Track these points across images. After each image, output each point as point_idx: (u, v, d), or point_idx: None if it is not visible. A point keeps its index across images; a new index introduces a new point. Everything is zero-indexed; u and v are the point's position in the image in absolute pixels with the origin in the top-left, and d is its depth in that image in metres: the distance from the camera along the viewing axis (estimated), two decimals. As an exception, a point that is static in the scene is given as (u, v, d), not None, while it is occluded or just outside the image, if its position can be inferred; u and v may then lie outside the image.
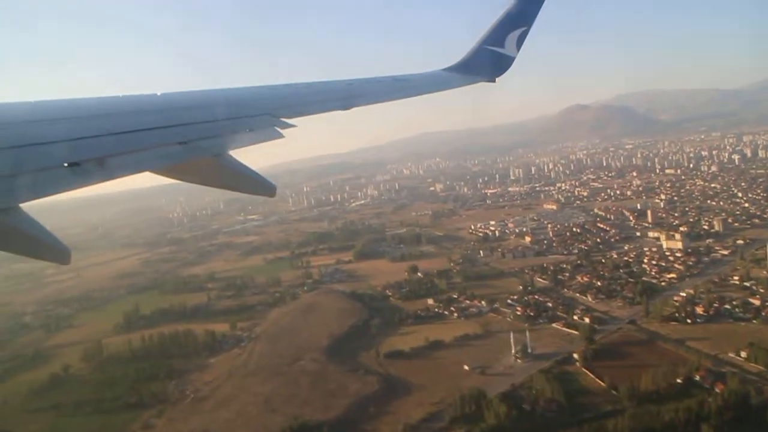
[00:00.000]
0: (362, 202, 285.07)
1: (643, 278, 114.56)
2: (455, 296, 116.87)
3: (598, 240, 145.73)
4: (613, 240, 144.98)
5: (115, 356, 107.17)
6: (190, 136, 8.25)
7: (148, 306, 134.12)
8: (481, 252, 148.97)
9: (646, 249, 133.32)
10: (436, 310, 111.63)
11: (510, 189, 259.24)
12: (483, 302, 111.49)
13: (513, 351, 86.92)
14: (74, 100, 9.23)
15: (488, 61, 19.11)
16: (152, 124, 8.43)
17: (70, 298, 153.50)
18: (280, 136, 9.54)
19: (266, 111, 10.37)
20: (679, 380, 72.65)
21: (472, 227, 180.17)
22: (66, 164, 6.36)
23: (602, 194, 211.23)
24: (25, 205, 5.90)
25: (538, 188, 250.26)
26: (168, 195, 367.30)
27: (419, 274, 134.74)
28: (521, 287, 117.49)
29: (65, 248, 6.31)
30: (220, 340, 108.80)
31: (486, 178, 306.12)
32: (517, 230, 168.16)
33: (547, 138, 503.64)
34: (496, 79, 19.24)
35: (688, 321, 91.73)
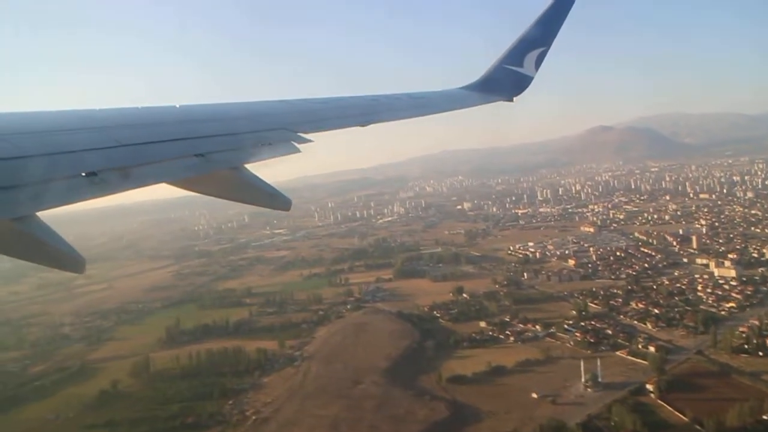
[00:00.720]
0: (390, 218, 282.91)
1: (701, 306, 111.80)
2: (507, 319, 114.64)
3: (646, 265, 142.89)
4: (660, 266, 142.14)
5: (164, 372, 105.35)
6: (207, 149, 8.33)
7: (188, 320, 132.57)
8: (525, 274, 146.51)
9: (697, 276, 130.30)
10: (491, 333, 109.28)
11: (541, 210, 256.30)
12: (538, 326, 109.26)
13: (583, 379, 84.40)
14: (92, 111, 9.32)
15: (507, 80, 19.29)
16: (170, 136, 8.58)
17: (106, 310, 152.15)
18: (297, 150, 9.63)
19: (283, 125, 10.47)
20: (765, 417, 70.18)
21: (511, 248, 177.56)
22: (84, 174, 6.44)
23: (639, 218, 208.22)
24: (44, 214, 5.98)
25: (570, 210, 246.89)
26: (186, 207, 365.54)
27: (465, 295, 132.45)
28: (575, 312, 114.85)
29: (80, 257, 6.34)
30: (271, 359, 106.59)
31: (513, 198, 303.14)
32: (558, 252, 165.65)
33: (571, 159, 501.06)
34: (514, 99, 19.35)
35: (760, 353, 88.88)
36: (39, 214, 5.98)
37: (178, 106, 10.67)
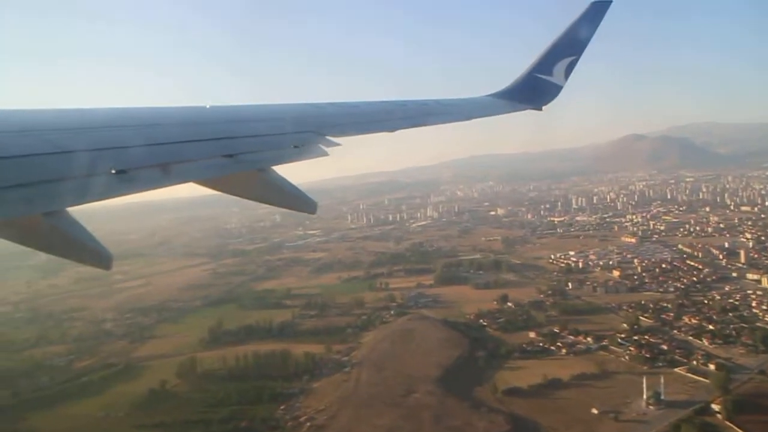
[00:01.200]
0: (423, 222, 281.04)
1: (758, 324, 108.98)
2: (557, 330, 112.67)
3: (694, 279, 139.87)
4: (708, 279, 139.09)
5: (211, 373, 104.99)
6: (235, 150, 8.40)
7: (230, 321, 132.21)
8: (569, 284, 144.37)
9: (749, 291, 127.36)
10: (541, 344, 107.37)
11: (578, 218, 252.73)
12: (589, 339, 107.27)
13: (644, 396, 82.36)
14: (125, 109, 9.55)
15: (536, 88, 19.37)
16: (199, 136, 8.75)
17: (146, 307, 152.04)
18: (325, 153, 9.72)
19: (312, 128, 10.54)
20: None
21: (552, 257, 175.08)
22: (114, 171, 6.51)
23: (680, 229, 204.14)
24: (74, 210, 6.17)
25: (607, 219, 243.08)
26: (214, 205, 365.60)
27: (510, 304, 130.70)
28: (626, 325, 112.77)
29: (107, 253, 6.63)
30: (319, 364, 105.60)
31: (548, 205, 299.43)
32: (601, 263, 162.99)
33: (603, 167, 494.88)
34: (543, 108, 19.42)
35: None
36: (69, 209, 6.18)
37: (208, 106, 10.88)
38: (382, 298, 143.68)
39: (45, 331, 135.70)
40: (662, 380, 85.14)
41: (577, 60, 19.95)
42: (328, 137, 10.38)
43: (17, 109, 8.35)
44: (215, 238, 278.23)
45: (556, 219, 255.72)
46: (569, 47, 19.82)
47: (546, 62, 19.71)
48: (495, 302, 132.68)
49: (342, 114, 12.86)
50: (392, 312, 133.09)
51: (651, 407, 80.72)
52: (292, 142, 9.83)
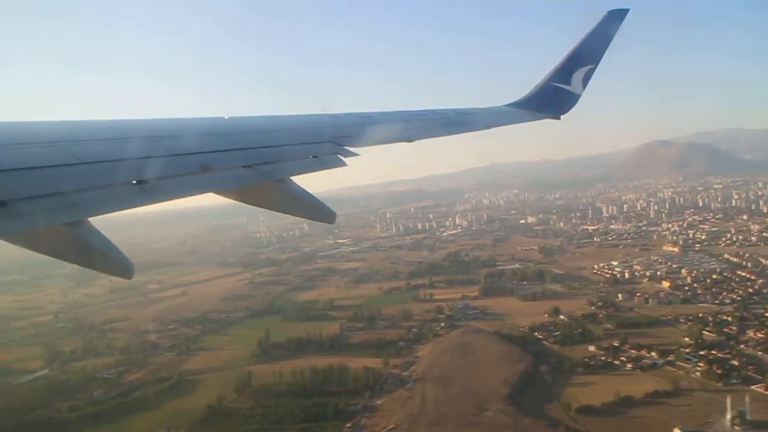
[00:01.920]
0: (454, 231, 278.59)
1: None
2: (617, 344, 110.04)
3: (750, 290, 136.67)
4: (765, 291, 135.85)
5: (268, 389, 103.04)
6: (255, 161, 8.52)
7: (276, 333, 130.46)
8: (619, 295, 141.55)
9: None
10: (602, 358, 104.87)
11: (612, 227, 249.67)
12: (653, 353, 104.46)
13: (728, 415, 79.65)
14: (144, 121, 9.59)
15: (554, 97, 19.49)
16: (219, 147, 8.88)
17: (189, 318, 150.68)
18: (343, 164, 9.88)
19: (330, 139, 10.60)
20: None
21: (595, 267, 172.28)
22: (135, 182, 6.66)
23: (722, 238, 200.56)
24: (98, 219, 6.20)
25: (643, 228, 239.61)
26: (238, 214, 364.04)
27: (562, 316, 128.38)
28: (688, 339, 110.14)
29: (129, 263, 6.65)
30: (379, 379, 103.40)
31: (578, 213, 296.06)
32: (647, 273, 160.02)
33: (627, 173, 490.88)
34: (562, 117, 19.54)
35: None
36: (91, 219, 6.26)
37: (227, 117, 10.92)
38: (429, 310, 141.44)
39: (90, 342, 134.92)
40: (747, 399, 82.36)
41: (594, 68, 20.06)
42: (346, 147, 10.46)
43: (39, 120, 8.54)
44: (245, 247, 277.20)
45: (590, 228, 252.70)
46: (587, 56, 19.99)
47: (564, 71, 19.85)
48: (546, 314, 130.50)
49: (360, 124, 12.78)
50: (442, 324, 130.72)
51: (737, 428, 77.92)
52: (311, 152, 9.94)
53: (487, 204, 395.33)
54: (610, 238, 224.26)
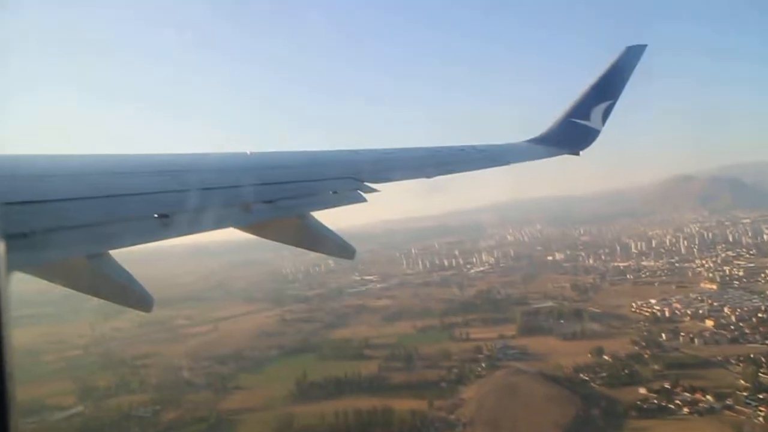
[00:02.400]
0: (482, 268, 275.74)
1: None
2: (668, 386, 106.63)
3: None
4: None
5: (311, 431, 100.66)
6: (274, 196, 8.61)
7: (313, 372, 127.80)
8: (663, 335, 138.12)
9: None
10: (655, 401, 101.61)
11: (643, 263, 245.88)
12: (709, 397, 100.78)
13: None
14: (167, 155, 9.97)
15: (573, 133, 19.65)
16: (239, 182, 8.84)
17: (222, 355, 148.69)
18: (363, 200, 10.04)
19: (350, 174, 10.78)
20: None
21: (633, 305, 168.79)
22: (156, 215, 6.73)
23: (761, 275, 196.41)
24: (123, 253, 6.32)
25: (676, 264, 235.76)
26: (257, 250, 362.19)
27: (606, 356, 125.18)
28: (743, 381, 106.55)
29: (149, 297, 6.93)
30: (426, 422, 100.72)
31: (606, 250, 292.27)
32: (688, 311, 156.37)
33: (651, 208, 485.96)
34: (581, 153, 19.58)
35: None
36: (114, 252, 6.36)
37: (249, 153, 10.90)
38: (468, 350, 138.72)
39: (122, 378, 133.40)
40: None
41: (614, 104, 20.10)
42: (366, 183, 10.49)
43: (63, 154, 8.59)
44: (271, 282, 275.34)
45: (621, 264, 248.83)
46: (606, 91, 20.16)
47: (583, 107, 20.00)
48: (589, 355, 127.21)
49: (379, 160, 12.93)
50: (483, 365, 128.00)
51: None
52: (331, 188, 10.03)
53: (511, 240, 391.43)
54: (643, 275, 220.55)
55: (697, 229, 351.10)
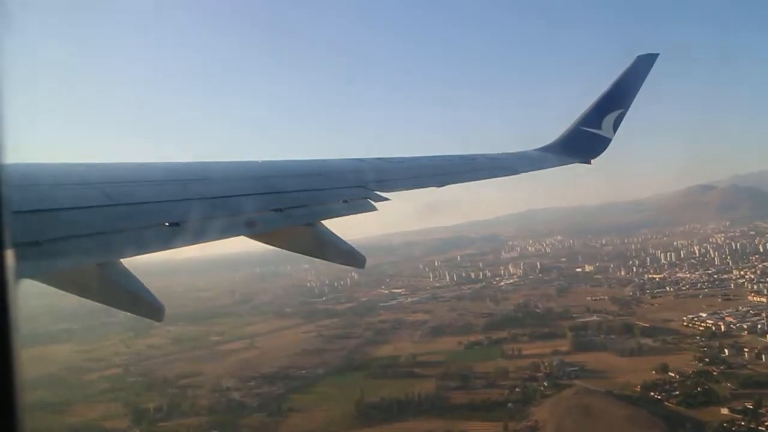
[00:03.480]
0: (511, 281, 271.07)
1: None
2: (750, 406, 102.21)
3: None
4: None
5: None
6: (285, 204, 8.74)
7: (368, 393, 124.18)
8: (725, 350, 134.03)
9: None
10: (742, 423, 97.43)
11: (678, 275, 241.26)
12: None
13: None
14: (178, 163, 9.91)
15: (584, 142, 19.83)
16: (250, 191, 8.99)
17: (268, 375, 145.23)
18: (374, 209, 10.18)
19: (360, 183, 10.99)
20: None
21: (684, 319, 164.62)
22: (167, 224, 6.83)
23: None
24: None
25: (714, 276, 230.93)
26: (272, 262, 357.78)
27: (672, 374, 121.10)
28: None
29: (160, 305, 6.85)
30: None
31: (636, 261, 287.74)
32: (744, 325, 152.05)
33: (671, 219, 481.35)
34: (592, 161, 19.55)
35: None
36: (132, 263, 6.52)
37: (260, 161, 11.13)
38: (524, 367, 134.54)
39: (172, 400, 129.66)
40: None
41: (624, 113, 20.15)
42: (376, 192, 10.70)
43: (75, 162, 8.76)
44: (298, 296, 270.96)
45: (655, 276, 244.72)
46: (617, 100, 20.17)
47: (594, 115, 19.99)
48: (654, 372, 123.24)
49: (389, 169, 12.82)
50: (545, 383, 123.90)
51: None
52: (341, 196, 10.13)
53: (533, 251, 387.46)
54: (683, 288, 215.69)
55: (722, 239, 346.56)
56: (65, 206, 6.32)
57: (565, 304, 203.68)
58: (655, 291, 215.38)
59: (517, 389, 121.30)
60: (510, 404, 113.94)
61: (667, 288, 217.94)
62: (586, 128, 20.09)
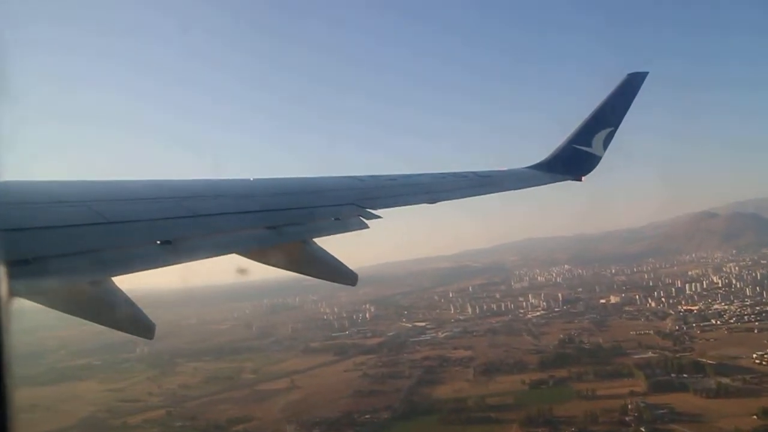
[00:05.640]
0: (538, 313, 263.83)
1: None
2: None
3: None
4: None
5: None
6: (277, 222, 8.71)
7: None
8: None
9: None
10: None
11: (716, 307, 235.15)
12: None
13: None
14: (170, 181, 9.85)
15: (575, 159, 20.23)
16: (242, 208, 9.13)
17: (330, 420, 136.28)
18: (366, 226, 10.22)
19: (352, 201, 11.03)
20: None
21: (754, 356, 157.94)
22: (158, 242, 6.75)
23: None
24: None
25: (757, 308, 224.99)
26: (282, 293, 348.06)
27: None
28: None
29: (151, 324, 6.87)
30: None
31: (662, 292, 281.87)
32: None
33: (675, 247, 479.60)
34: (583, 179, 20.14)
35: None
36: (129, 287, 6.60)
37: (252, 179, 11.09)
38: (609, 410, 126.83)
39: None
40: None
41: (615, 131, 20.52)
42: (368, 210, 10.72)
43: (67, 180, 8.47)
44: (318, 330, 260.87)
45: (691, 308, 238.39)
46: (607, 118, 20.57)
47: (584, 133, 20.41)
48: (755, 416, 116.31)
49: (381, 186, 12.88)
50: (642, 429, 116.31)
51: None
52: (333, 214, 10.22)
53: (543, 281, 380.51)
54: (730, 321, 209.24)
55: (736, 268, 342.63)
56: (56, 224, 6.16)
57: (611, 338, 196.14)
58: (702, 324, 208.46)
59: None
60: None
61: (713, 321, 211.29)
62: (576, 146, 20.05)
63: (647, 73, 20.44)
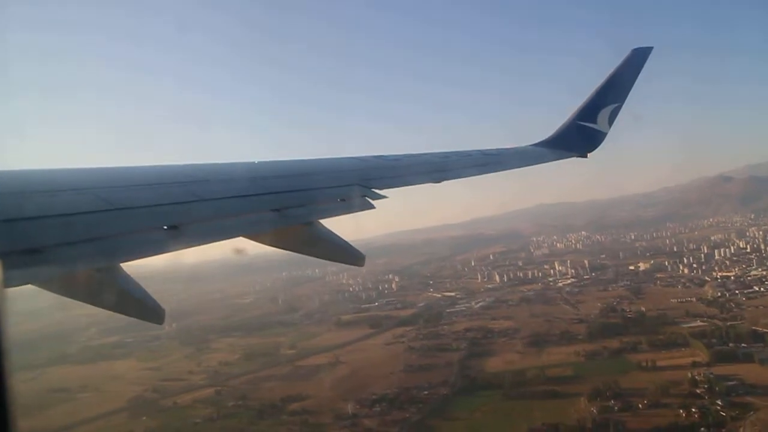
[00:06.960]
0: (568, 281, 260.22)
1: None
2: None
3: None
4: None
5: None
6: (283, 204, 8.65)
7: (520, 416, 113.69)
8: None
9: None
10: None
11: (754, 273, 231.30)
12: None
13: None
14: (175, 166, 9.78)
15: (580, 136, 20.04)
16: (247, 191, 8.97)
17: (396, 397, 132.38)
18: (372, 206, 10.17)
19: (357, 181, 10.87)
20: None
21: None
22: (165, 227, 6.68)
23: None
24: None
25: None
26: (299, 265, 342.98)
27: None
28: None
29: (161, 308, 6.83)
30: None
31: (691, 258, 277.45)
32: None
33: (692, 211, 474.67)
34: (588, 155, 19.91)
35: None
36: (124, 265, 6.46)
37: (257, 162, 11.09)
38: (673, 382, 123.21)
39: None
40: None
41: (620, 107, 20.35)
42: (374, 189, 10.67)
43: (72, 168, 8.27)
44: (346, 302, 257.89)
45: (728, 274, 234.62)
46: (612, 94, 20.29)
47: (589, 110, 20.19)
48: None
49: (386, 166, 12.79)
50: (719, 402, 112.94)
51: None
52: (338, 195, 10.12)
53: (563, 248, 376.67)
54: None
55: (759, 233, 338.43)
56: (64, 212, 6.15)
57: (654, 307, 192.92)
58: (746, 292, 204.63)
59: (693, 409, 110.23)
60: (703, 429, 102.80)
61: (755, 287, 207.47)
62: (581, 122, 19.85)
63: (652, 48, 20.38)
